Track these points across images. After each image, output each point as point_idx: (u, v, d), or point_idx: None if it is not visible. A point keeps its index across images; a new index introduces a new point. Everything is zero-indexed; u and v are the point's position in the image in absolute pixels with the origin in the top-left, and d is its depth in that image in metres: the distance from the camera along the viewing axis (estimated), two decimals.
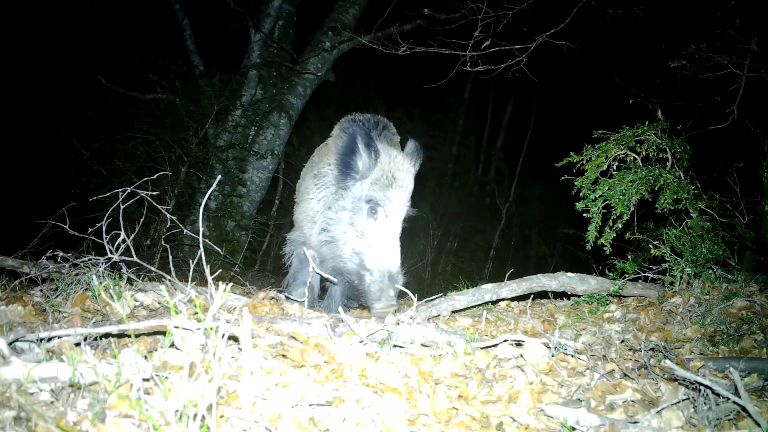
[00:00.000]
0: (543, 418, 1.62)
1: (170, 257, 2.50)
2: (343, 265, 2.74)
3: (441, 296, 2.88)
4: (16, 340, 1.61)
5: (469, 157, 10.76)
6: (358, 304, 3.43)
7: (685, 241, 2.91)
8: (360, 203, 2.69)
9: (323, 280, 3.12)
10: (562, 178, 3.25)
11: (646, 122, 3.22)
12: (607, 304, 2.95)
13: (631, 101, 3.70)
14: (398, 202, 2.69)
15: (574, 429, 1.54)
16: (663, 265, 2.97)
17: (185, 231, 3.25)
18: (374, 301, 2.53)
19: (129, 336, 1.81)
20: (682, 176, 3.16)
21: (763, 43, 3.61)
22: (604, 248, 3.00)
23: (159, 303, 2.33)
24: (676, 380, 1.83)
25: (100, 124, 5.74)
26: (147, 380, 1.41)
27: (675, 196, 3.00)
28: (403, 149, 2.99)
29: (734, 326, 2.47)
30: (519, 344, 2.11)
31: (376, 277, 2.56)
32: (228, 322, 1.41)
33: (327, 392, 1.54)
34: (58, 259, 2.50)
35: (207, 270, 1.93)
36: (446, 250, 8.82)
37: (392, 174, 2.69)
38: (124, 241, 2.42)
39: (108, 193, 2.74)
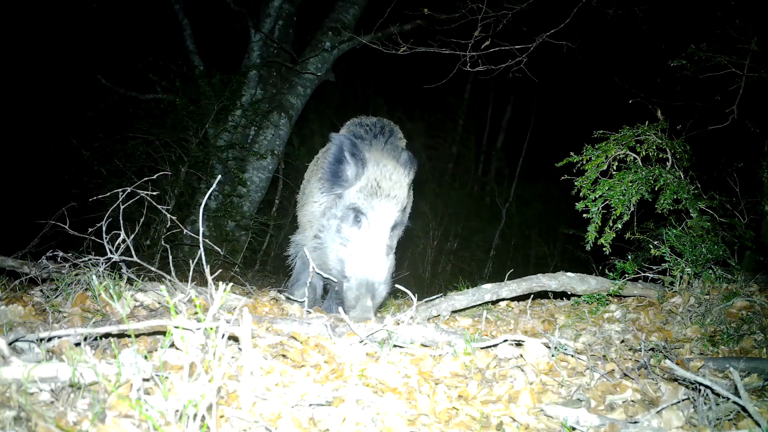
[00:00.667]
0: (543, 418, 1.62)
1: (170, 257, 2.50)
2: (329, 272, 2.75)
3: (441, 296, 2.88)
4: (16, 340, 1.62)
5: (469, 157, 10.76)
6: None
7: (685, 241, 2.91)
8: (348, 211, 2.69)
9: (326, 281, 3.11)
10: (562, 178, 3.25)
11: (646, 122, 3.22)
12: (607, 304, 2.95)
13: (631, 101, 3.69)
14: (383, 211, 2.65)
15: (574, 429, 1.54)
16: (663, 265, 2.97)
17: (185, 231, 3.25)
18: (349, 308, 2.50)
19: (129, 336, 1.81)
20: (682, 176, 3.16)
21: (763, 43, 3.61)
22: (604, 248, 3.00)
23: (159, 303, 2.33)
24: (676, 380, 1.83)
25: (100, 124, 5.74)
26: (147, 380, 1.41)
27: (675, 196, 3.00)
28: None
29: (734, 326, 2.47)
30: (519, 344, 2.11)
31: (352, 284, 2.54)
32: (228, 322, 1.41)
33: (327, 392, 1.54)
34: (58, 259, 2.50)
35: (207, 270, 1.93)
36: (446, 250, 8.82)
37: (377, 182, 2.66)
38: (124, 241, 2.42)
39: (108, 193, 2.74)
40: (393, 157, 2.93)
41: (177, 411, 1.23)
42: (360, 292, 2.51)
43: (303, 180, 3.41)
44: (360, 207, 2.65)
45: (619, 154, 3.15)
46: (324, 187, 2.83)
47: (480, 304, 2.96)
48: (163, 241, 4.51)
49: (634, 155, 3.15)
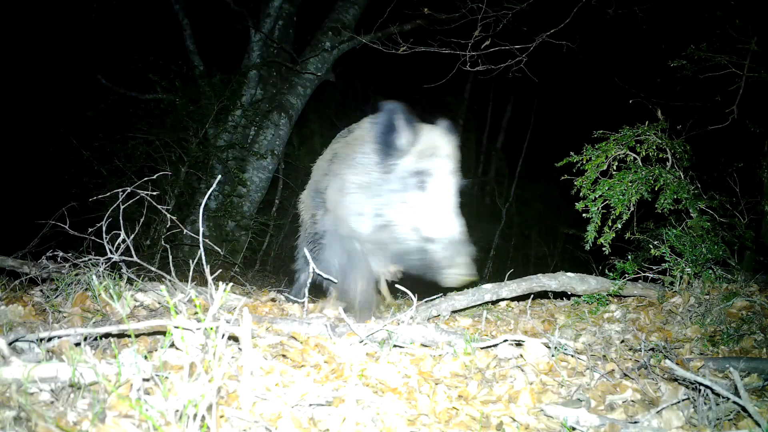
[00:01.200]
0: (543, 418, 1.62)
1: (170, 257, 2.50)
2: (404, 247, 2.66)
3: (441, 296, 2.87)
4: (16, 340, 1.62)
5: (469, 157, 10.74)
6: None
7: (685, 241, 2.91)
8: (408, 179, 2.65)
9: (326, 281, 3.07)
10: (562, 178, 3.25)
11: (646, 122, 3.22)
12: (607, 304, 2.95)
13: (631, 101, 3.69)
14: (446, 171, 2.65)
15: (574, 429, 1.54)
16: (663, 265, 2.97)
17: (185, 231, 3.25)
18: (445, 267, 2.45)
19: (129, 336, 1.81)
20: (682, 176, 3.16)
21: (763, 43, 3.61)
22: (604, 248, 3.00)
23: (159, 303, 2.33)
24: (676, 380, 1.83)
25: (100, 124, 5.74)
26: (147, 380, 1.41)
27: (675, 196, 3.00)
28: None
29: (734, 326, 2.47)
30: (519, 344, 2.11)
31: (441, 245, 2.50)
32: (228, 322, 1.41)
33: (327, 392, 1.54)
34: (58, 259, 2.50)
35: (207, 270, 1.93)
36: None
37: (434, 144, 2.66)
38: (124, 241, 2.42)
39: (108, 193, 2.74)
40: (434, 124, 2.92)
41: (177, 411, 1.23)
42: (452, 251, 2.47)
43: (326, 175, 3.11)
44: (423, 170, 2.61)
45: (619, 154, 3.15)
46: (375, 160, 2.75)
47: (480, 304, 2.96)
48: (163, 241, 4.51)
49: (634, 155, 3.15)
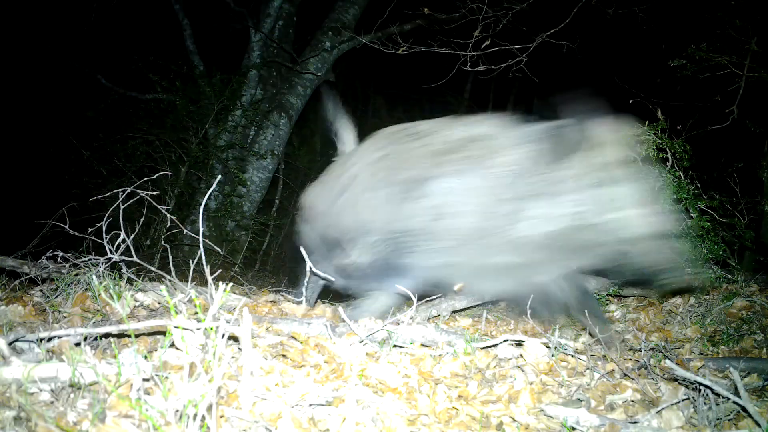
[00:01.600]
0: (543, 418, 1.62)
1: (170, 257, 2.50)
2: (593, 251, 2.37)
3: (441, 296, 2.87)
4: (16, 340, 1.62)
5: None
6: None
7: (685, 241, 2.91)
8: (584, 178, 2.37)
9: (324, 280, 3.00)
10: None
11: (646, 122, 3.22)
12: (607, 304, 2.95)
13: (631, 101, 3.70)
14: (628, 165, 2.41)
15: (574, 429, 1.54)
16: None
17: (185, 231, 3.25)
18: (661, 268, 2.23)
19: (129, 336, 1.81)
20: (682, 176, 3.16)
21: (763, 43, 3.61)
22: None
23: (159, 303, 2.33)
24: (676, 380, 1.83)
25: (100, 124, 5.74)
26: (147, 380, 1.41)
27: (675, 196, 3.01)
28: None
29: (734, 326, 2.47)
30: (519, 344, 2.11)
31: (645, 244, 2.22)
32: (228, 322, 1.41)
33: (327, 392, 1.54)
34: (58, 259, 2.50)
35: (207, 270, 1.93)
36: None
37: (610, 139, 2.43)
38: (124, 241, 2.41)
39: (108, 193, 2.73)
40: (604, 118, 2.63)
41: (177, 411, 1.23)
42: (656, 251, 2.22)
43: (420, 170, 2.60)
44: (603, 165, 2.35)
45: None
46: (542, 160, 2.49)
47: (480, 304, 2.96)
48: (163, 241, 4.50)
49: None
